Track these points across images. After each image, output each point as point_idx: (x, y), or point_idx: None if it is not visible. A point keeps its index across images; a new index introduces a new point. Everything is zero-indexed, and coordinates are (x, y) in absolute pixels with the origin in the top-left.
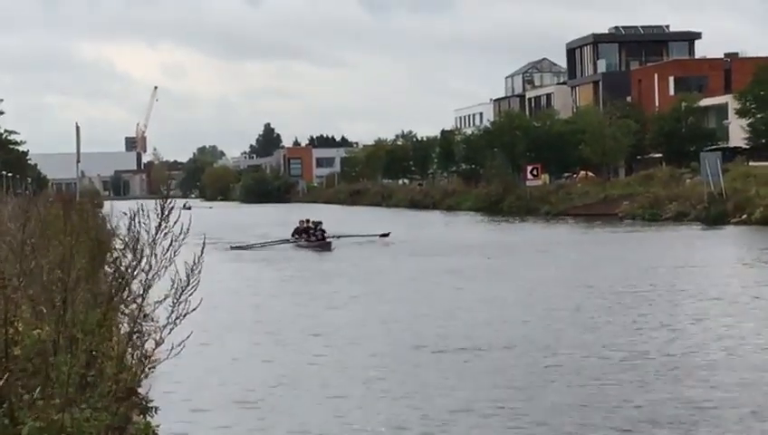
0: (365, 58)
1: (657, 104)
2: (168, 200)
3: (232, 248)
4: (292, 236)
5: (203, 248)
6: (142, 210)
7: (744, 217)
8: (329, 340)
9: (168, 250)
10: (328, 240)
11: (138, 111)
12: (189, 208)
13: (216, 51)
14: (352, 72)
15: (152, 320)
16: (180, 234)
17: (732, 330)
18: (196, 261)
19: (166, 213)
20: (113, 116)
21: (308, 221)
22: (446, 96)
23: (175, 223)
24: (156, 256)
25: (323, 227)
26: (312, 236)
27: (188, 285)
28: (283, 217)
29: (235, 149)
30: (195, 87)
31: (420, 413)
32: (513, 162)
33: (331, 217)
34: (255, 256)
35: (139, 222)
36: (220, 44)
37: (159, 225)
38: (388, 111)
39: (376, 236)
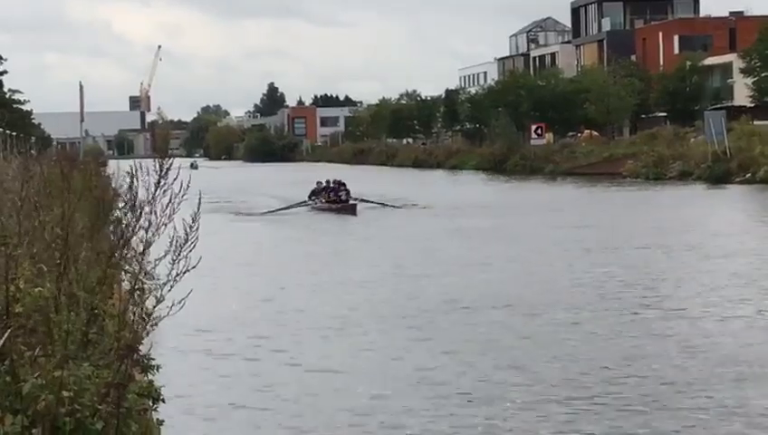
0: (361, 17)
1: (661, 63)
2: (168, 158)
3: (241, 214)
4: (309, 197)
5: (199, 204)
6: (141, 167)
7: (749, 175)
8: (332, 297)
9: (167, 207)
10: (352, 203)
11: (137, 71)
12: (197, 168)
13: (212, 9)
14: (350, 30)
15: (153, 277)
16: (180, 191)
17: (735, 290)
18: (195, 218)
19: (164, 170)
20: (112, 76)
21: (328, 182)
22: (449, 56)
23: (174, 180)
24: (155, 213)
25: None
26: (332, 196)
27: (187, 241)
28: (296, 177)
29: (238, 108)
30: (193, 46)
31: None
32: (518, 121)
33: (339, 176)
34: (270, 219)
35: (138, 179)
36: (216, 2)
37: (158, 182)
38: (391, 71)
39: (414, 205)
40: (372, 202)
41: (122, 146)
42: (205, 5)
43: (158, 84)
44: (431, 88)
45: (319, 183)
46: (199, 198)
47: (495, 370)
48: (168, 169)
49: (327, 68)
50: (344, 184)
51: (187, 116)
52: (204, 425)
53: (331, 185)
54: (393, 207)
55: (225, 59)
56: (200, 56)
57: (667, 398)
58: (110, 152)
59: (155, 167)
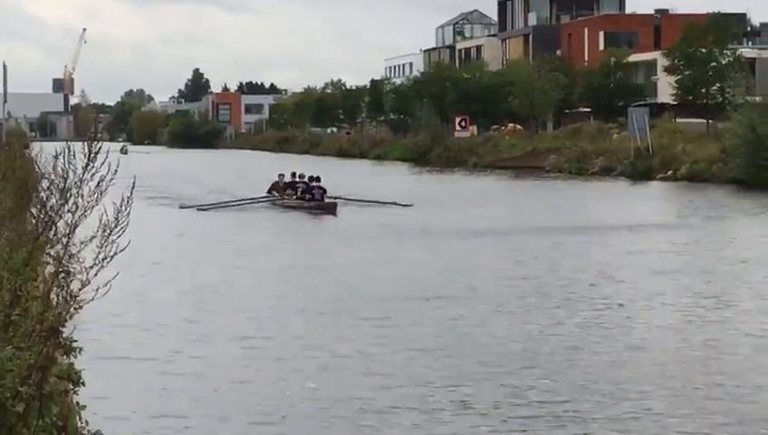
0: (275, 4)
1: (586, 59)
2: (96, 141)
3: (199, 209)
4: (270, 192)
5: (132, 189)
6: (69, 150)
7: (670, 173)
8: (256, 288)
9: (95, 191)
10: (330, 201)
11: (53, 53)
12: (126, 153)
13: None
14: (265, 18)
15: (79, 261)
16: (108, 174)
17: (651, 285)
18: (126, 202)
19: (93, 153)
20: (28, 58)
21: (294, 175)
22: (374, 47)
23: (102, 164)
24: (83, 196)
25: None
26: (305, 194)
27: (117, 226)
28: (227, 164)
29: (161, 93)
30: (109, 30)
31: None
32: (442, 113)
33: (263, 164)
34: (224, 214)
35: (67, 161)
36: None
37: (86, 165)
38: (315, 60)
39: (395, 204)
40: (354, 200)
41: (45, 128)
42: None
43: (80, 68)
44: (357, 78)
45: (281, 176)
46: (133, 183)
47: (421, 361)
48: (98, 153)
49: (246, 55)
50: (319, 179)
51: (110, 100)
52: (125, 409)
53: (298, 179)
54: (380, 203)
55: (142, 44)
56: (117, 40)
57: (581, 386)
58: (33, 134)
59: (84, 150)
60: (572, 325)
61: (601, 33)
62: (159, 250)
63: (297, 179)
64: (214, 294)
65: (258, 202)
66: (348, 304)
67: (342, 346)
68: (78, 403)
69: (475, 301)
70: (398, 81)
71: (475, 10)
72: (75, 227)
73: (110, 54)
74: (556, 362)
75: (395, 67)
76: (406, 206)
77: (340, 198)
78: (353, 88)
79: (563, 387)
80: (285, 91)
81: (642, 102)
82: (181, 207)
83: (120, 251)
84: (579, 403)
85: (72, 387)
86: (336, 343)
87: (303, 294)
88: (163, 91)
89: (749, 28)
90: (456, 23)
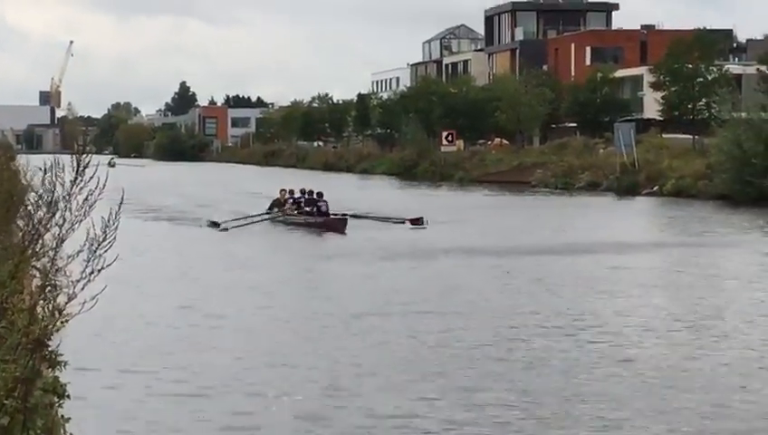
0: (259, 17)
1: (572, 74)
2: (84, 155)
3: (211, 225)
4: (271, 209)
5: (121, 203)
6: (58, 163)
7: (656, 188)
8: (245, 304)
9: (83, 205)
10: (338, 217)
11: (37, 66)
12: (114, 166)
13: (107, 4)
14: (250, 32)
15: (66, 274)
16: (96, 188)
17: (630, 306)
18: (114, 217)
19: (82, 167)
20: (10, 70)
21: (292, 192)
22: (361, 61)
23: (91, 178)
24: (71, 210)
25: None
26: (311, 208)
27: (104, 240)
28: (218, 177)
29: (148, 106)
30: (91, 43)
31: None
32: (429, 128)
33: (250, 177)
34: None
35: (55, 175)
36: None
37: (75, 179)
38: (299, 73)
39: (403, 220)
40: (362, 217)
41: (31, 141)
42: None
43: (65, 80)
44: (343, 92)
45: (282, 192)
46: (121, 197)
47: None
48: (86, 166)
49: (232, 68)
50: (322, 194)
51: (96, 113)
52: (110, 422)
53: (298, 196)
54: (392, 220)
55: (127, 57)
56: (101, 53)
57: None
58: (19, 147)
59: (72, 163)
60: (556, 343)
61: (588, 49)
62: (148, 265)
63: (298, 195)
64: (201, 308)
65: (264, 219)
66: (337, 321)
67: (331, 360)
68: (63, 416)
69: (462, 318)
70: (384, 95)
71: (462, 25)
72: (63, 241)
73: (94, 67)
74: (539, 377)
75: (382, 81)
76: (415, 221)
77: (346, 215)
78: (340, 102)
79: (546, 403)
80: (272, 104)
81: (628, 118)
82: (211, 225)
83: (108, 265)
84: (563, 417)
85: (57, 400)
86: (325, 358)
87: (293, 309)
88: (150, 104)
89: (735, 44)
90: (443, 37)
